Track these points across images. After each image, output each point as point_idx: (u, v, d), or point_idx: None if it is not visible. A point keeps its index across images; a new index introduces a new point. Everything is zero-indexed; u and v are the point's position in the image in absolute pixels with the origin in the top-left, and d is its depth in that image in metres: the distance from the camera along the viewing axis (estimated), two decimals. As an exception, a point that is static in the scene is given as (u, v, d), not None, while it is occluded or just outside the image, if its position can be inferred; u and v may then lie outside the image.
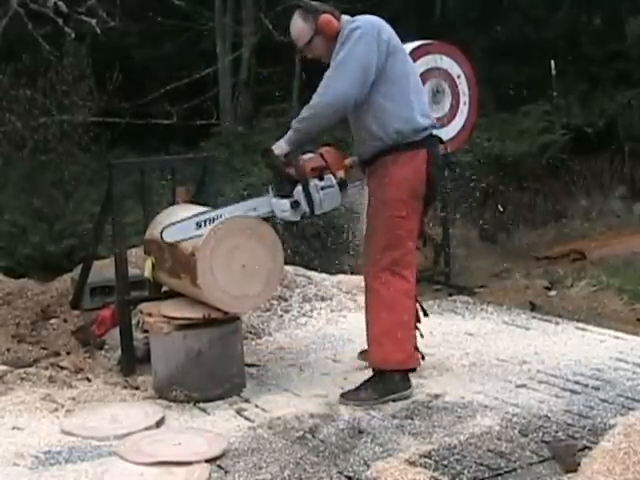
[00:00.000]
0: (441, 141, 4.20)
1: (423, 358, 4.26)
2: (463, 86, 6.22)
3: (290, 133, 4.04)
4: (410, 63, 4.17)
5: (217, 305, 4.10)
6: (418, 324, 4.31)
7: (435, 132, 4.17)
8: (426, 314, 4.41)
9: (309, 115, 3.98)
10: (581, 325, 5.28)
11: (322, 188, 4.03)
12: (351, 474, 3.25)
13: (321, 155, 4.10)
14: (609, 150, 10.19)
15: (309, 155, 4.12)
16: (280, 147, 4.04)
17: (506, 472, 3.22)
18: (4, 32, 7.44)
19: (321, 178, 4.04)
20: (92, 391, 4.34)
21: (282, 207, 4.05)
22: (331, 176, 4.06)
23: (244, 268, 4.10)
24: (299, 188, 4.02)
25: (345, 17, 4.12)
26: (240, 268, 4.09)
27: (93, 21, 6.90)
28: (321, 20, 4.04)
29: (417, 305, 4.31)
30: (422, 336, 4.35)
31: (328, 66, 4.00)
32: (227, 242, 4.07)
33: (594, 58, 11.17)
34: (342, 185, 4.08)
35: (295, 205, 4.02)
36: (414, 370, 4.11)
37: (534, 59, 10.99)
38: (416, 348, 4.16)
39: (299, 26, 4.13)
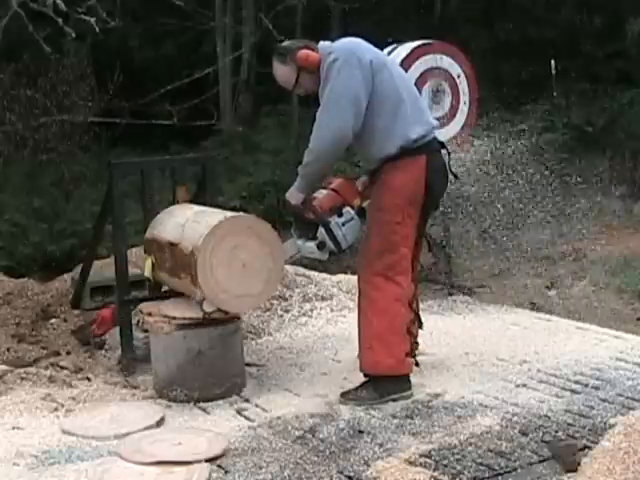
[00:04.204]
0: (443, 146, 4.18)
1: (417, 365, 4.23)
2: (463, 85, 6.21)
3: (299, 180, 4.06)
4: (398, 75, 4.10)
5: (217, 305, 4.10)
6: (420, 330, 4.34)
7: (436, 132, 4.16)
8: (421, 326, 4.40)
9: (311, 160, 3.98)
10: (581, 325, 5.27)
11: (343, 224, 4.08)
12: (351, 474, 3.25)
13: (334, 190, 4.13)
14: (609, 150, 10.19)
15: (323, 193, 4.13)
16: (294, 196, 4.08)
17: (506, 472, 3.22)
18: (4, 32, 7.43)
19: (340, 214, 4.09)
20: (92, 391, 4.33)
21: (309, 250, 4.15)
22: (349, 209, 4.11)
23: (244, 267, 4.10)
24: (322, 230, 4.07)
25: (322, 45, 4.07)
26: (240, 267, 4.09)
27: (92, 19, 6.90)
28: (299, 56, 4.02)
29: (419, 313, 4.32)
30: (417, 344, 4.34)
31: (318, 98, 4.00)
32: (227, 241, 4.07)
33: (594, 57, 11.19)
34: (361, 213, 4.13)
35: (321, 246, 4.10)
36: (406, 376, 4.08)
37: (534, 58, 11.00)
38: (410, 354, 4.12)
39: (281, 70, 4.12)
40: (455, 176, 4.32)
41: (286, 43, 4.19)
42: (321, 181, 4.15)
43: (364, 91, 3.89)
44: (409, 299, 4.11)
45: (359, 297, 4.11)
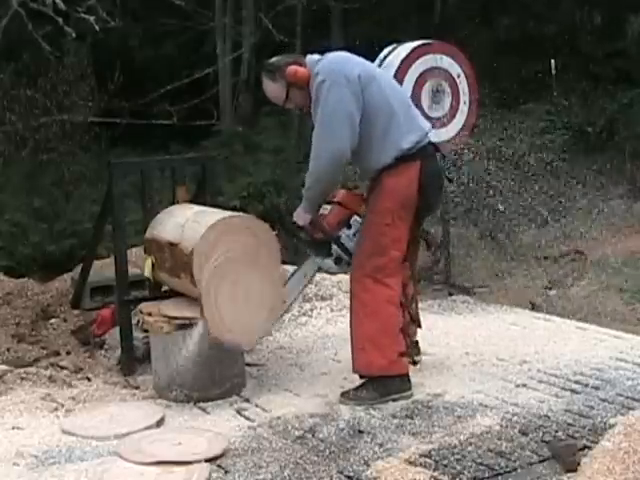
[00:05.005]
0: (437, 150, 4.18)
1: (414, 364, 4.23)
2: (463, 85, 6.20)
3: (304, 202, 4.09)
4: (388, 85, 4.11)
5: (229, 343, 4.05)
6: (419, 330, 4.35)
7: (432, 134, 4.16)
8: (420, 326, 4.42)
9: (313, 182, 4.01)
10: (581, 325, 5.27)
11: (354, 235, 4.12)
12: (351, 474, 3.25)
13: (339, 203, 4.15)
14: (609, 149, 10.19)
15: (328, 208, 4.15)
16: (301, 218, 4.11)
17: (506, 472, 3.22)
18: (4, 32, 7.44)
19: (349, 226, 4.12)
20: (92, 391, 4.33)
21: (328, 266, 4.22)
22: (356, 218, 4.13)
23: (248, 300, 4.06)
24: (334, 246, 4.12)
25: (310, 60, 4.07)
26: (244, 301, 4.05)
27: (92, 18, 6.90)
28: (287, 73, 4.03)
29: (417, 313, 4.34)
30: (417, 344, 4.34)
31: (310, 113, 4.02)
32: (229, 277, 4.03)
33: (594, 56, 11.18)
34: None
35: (338, 261, 4.15)
36: (406, 375, 4.08)
37: (535, 57, 10.99)
38: (406, 354, 4.10)
39: (271, 87, 4.13)
40: (449, 180, 4.32)
41: (275, 59, 4.18)
42: (326, 199, 4.18)
43: (355, 106, 3.90)
44: (401, 299, 4.10)
45: (351, 297, 4.12)
